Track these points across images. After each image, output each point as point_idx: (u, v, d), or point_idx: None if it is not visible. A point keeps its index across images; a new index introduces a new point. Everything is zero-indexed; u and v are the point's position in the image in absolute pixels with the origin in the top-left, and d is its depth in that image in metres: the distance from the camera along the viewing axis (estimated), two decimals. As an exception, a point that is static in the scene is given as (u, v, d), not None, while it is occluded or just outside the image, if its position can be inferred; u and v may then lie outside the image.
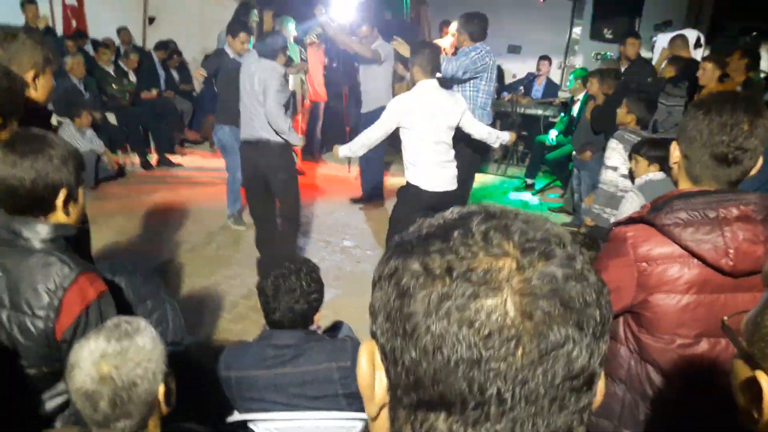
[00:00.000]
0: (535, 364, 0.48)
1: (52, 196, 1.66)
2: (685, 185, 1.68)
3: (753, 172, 1.60)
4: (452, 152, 4.02)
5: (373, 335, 0.56)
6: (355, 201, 6.51)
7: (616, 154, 4.22)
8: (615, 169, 4.21)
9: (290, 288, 2.07)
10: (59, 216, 1.69)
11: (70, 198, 1.70)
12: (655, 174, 3.55)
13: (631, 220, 1.68)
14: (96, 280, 1.68)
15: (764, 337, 0.79)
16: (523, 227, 0.52)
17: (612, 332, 1.76)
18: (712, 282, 1.57)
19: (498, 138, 4.26)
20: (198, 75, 5.36)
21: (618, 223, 1.72)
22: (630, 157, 3.75)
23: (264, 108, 4.16)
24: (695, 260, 1.55)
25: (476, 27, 4.74)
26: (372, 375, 0.56)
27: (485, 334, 0.48)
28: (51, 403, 1.69)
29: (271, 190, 4.49)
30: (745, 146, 1.54)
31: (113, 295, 1.72)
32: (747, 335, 0.83)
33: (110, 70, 7.69)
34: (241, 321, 4.12)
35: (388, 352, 0.53)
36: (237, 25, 5.40)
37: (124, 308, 1.79)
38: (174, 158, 7.85)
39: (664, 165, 3.47)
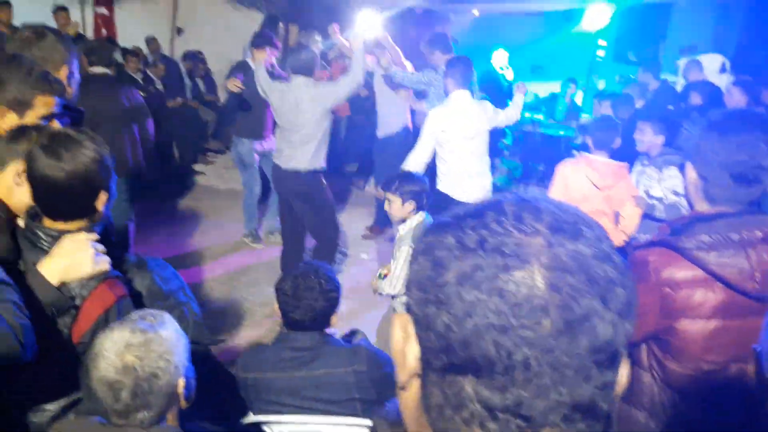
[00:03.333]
0: (561, 333, 0.50)
1: (94, 198, 1.63)
2: (701, 207, 1.65)
3: None
4: (485, 162, 4.17)
5: (408, 307, 0.59)
6: (367, 233, 6.23)
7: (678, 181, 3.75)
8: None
9: (310, 286, 2.07)
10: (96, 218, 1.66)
11: (108, 200, 1.67)
12: (420, 215, 3.10)
13: (651, 243, 1.65)
14: (116, 285, 1.64)
15: None
16: (554, 209, 0.56)
17: (635, 358, 1.72)
18: (738, 306, 1.53)
19: (517, 106, 4.39)
20: (233, 86, 5.34)
21: (638, 247, 1.70)
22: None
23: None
24: (719, 284, 1.52)
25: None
26: (404, 343, 0.59)
27: (514, 302, 0.50)
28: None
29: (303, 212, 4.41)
30: (765, 164, 1.53)
31: (135, 301, 1.70)
32: None
33: (138, 77, 7.82)
34: (258, 328, 4.15)
35: (422, 319, 0.56)
36: (262, 39, 5.40)
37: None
38: (197, 167, 7.94)
39: (420, 201, 3.08)
